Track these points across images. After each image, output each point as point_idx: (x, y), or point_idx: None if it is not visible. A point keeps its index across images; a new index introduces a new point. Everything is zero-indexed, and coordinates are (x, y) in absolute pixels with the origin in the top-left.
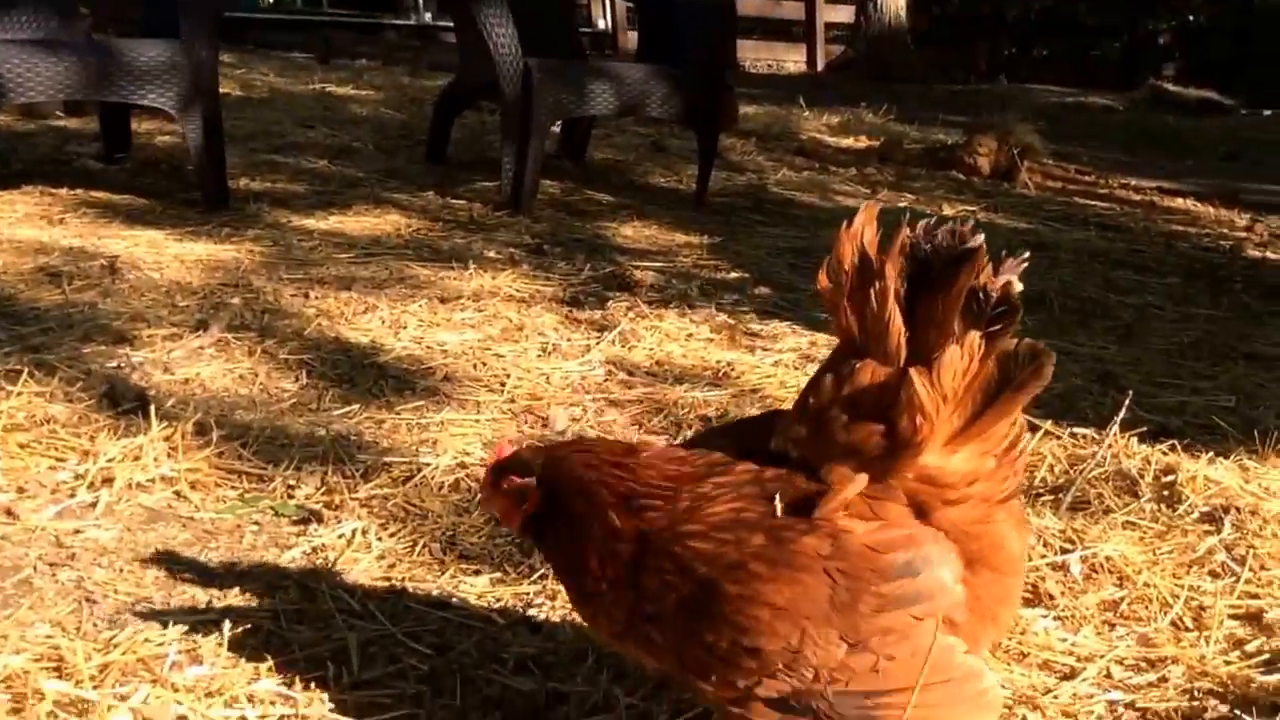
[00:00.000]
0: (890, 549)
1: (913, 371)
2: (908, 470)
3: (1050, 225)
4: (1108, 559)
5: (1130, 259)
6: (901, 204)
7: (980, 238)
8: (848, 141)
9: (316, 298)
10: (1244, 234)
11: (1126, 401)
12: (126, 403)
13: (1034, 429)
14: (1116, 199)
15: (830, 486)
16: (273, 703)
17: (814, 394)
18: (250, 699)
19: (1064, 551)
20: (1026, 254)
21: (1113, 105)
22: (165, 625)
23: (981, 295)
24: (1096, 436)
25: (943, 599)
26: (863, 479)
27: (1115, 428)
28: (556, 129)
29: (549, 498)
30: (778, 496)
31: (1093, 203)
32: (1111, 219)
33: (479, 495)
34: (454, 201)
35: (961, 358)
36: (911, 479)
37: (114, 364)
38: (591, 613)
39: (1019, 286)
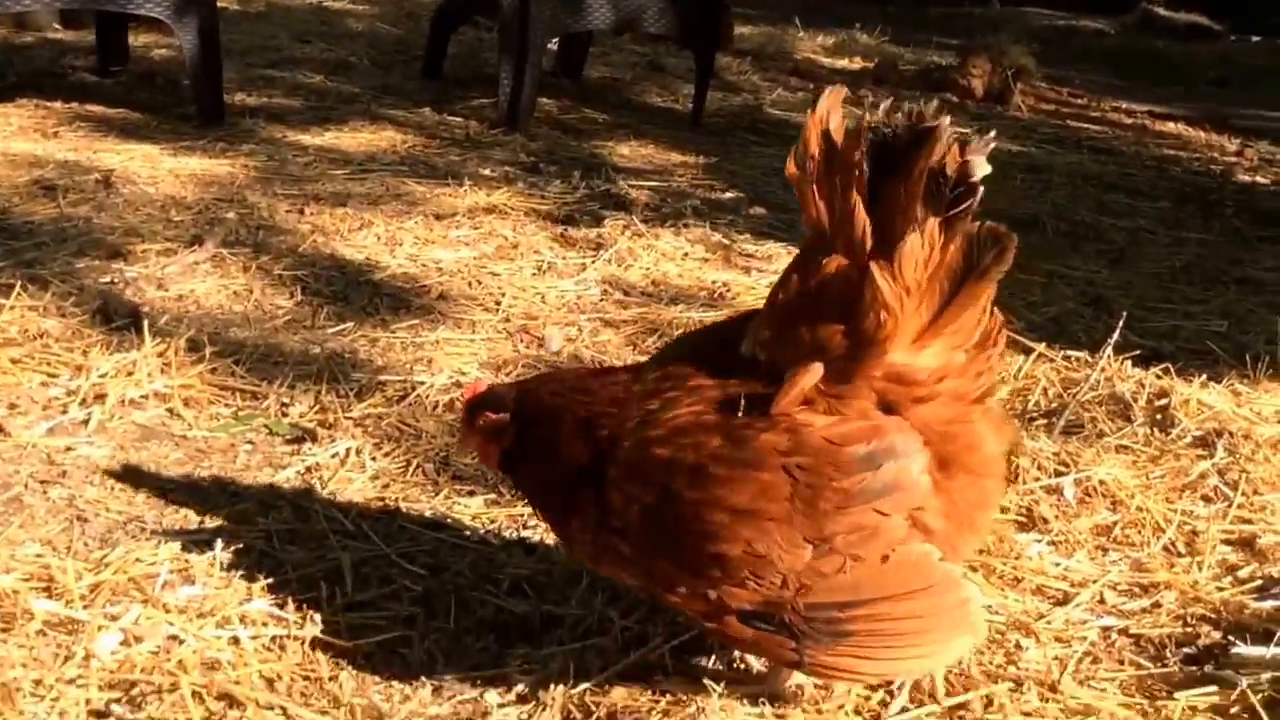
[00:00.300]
0: (851, 441)
1: (874, 266)
2: (874, 368)
3: (1043, 148)
4: (1101, 483)
5: (1122, 182)
6: None
7: (944, 120)
8: (842, 62)
9: (311, 214)
10: (1234, 159)
11: (1119, 325)
12: (120, 318)
13: (1027, 352)
14: (1108, 122)
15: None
16: (265, 623)
17: (781, 292)
18: (243, 619)
19: (1058, 475)
20: (993, 133)
21: (1104, 29)
22: (157, 545)
23: (941, 177)
24: (1090, 360)
25: (909, 492)
26: (818, 368)
27: (1109, 351)
28: (554, 46)
29: (521, 431)
30: (741, 399)
31: (1085, 126)
32: (1104, 142)
33: (457, 434)
34: (450, 118)
35: (922, 246)
36: (879, 378)
37: (108, 279)
38: (567, 536)
39: (984, 168)
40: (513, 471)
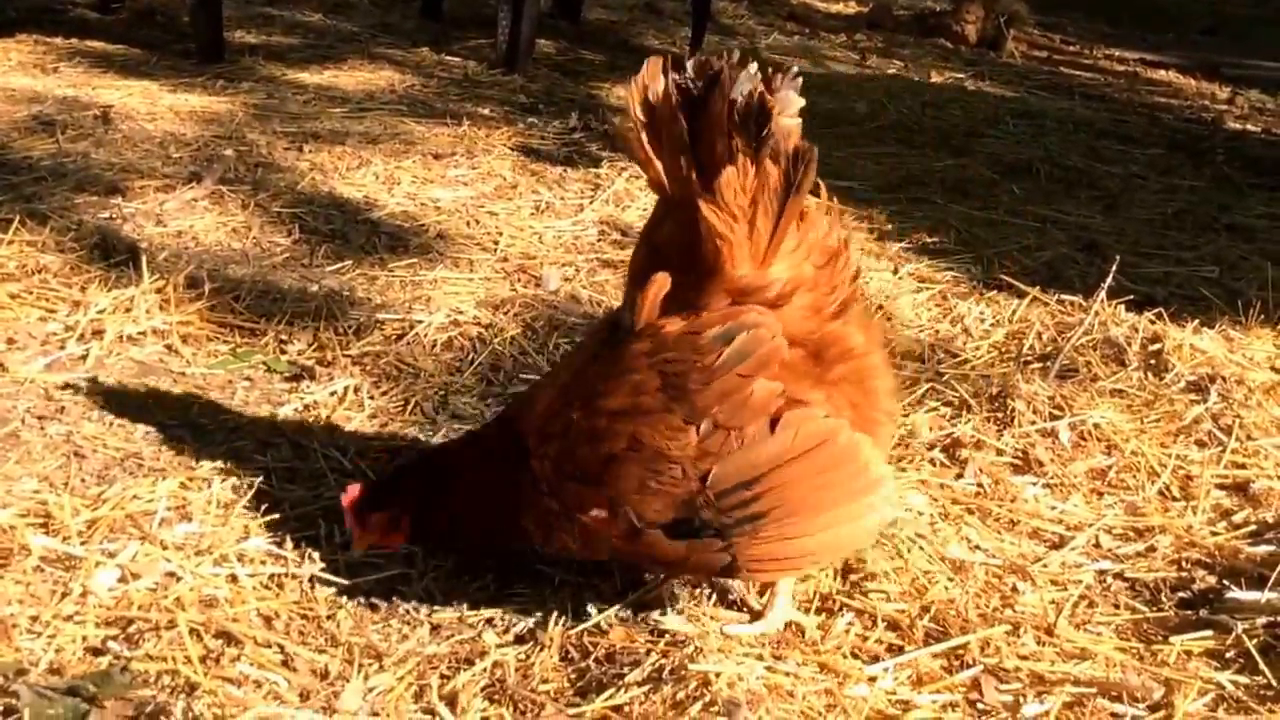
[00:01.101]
0: (706, 327)
1: (700, 200)
2: (720, 289)
3: (1036, 94)
4: (1096, 427)
5: (1114, 129)
6: (890, 70)
7: (729, 65)
8: (837, 7)
9: (310, 151)
10: (1225, 107)
11: (1113, 270)
12: (118, 254)
13: (1021, 296)
14: (1100, 70)
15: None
16: (263, 561)
17: (635, 257)
18: (240, 557)
19: (1053, 418)
20: (795, 68)
21: None
22: (155, 482)
23: (741, 113)
24: (1084, 304)
25: (766, 351)
26: (664, 277)
27: (1102, 295)
28: None
29: (429, 493)
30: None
31: (1077, 73)
32: (1096, 89)
33: (351, 539)
34: (449, 59)
35: (738, 175)
36: (729, 292)
37: (106, 215)
38: (524, 534)
39: (796, 101)
40: (437, 529)
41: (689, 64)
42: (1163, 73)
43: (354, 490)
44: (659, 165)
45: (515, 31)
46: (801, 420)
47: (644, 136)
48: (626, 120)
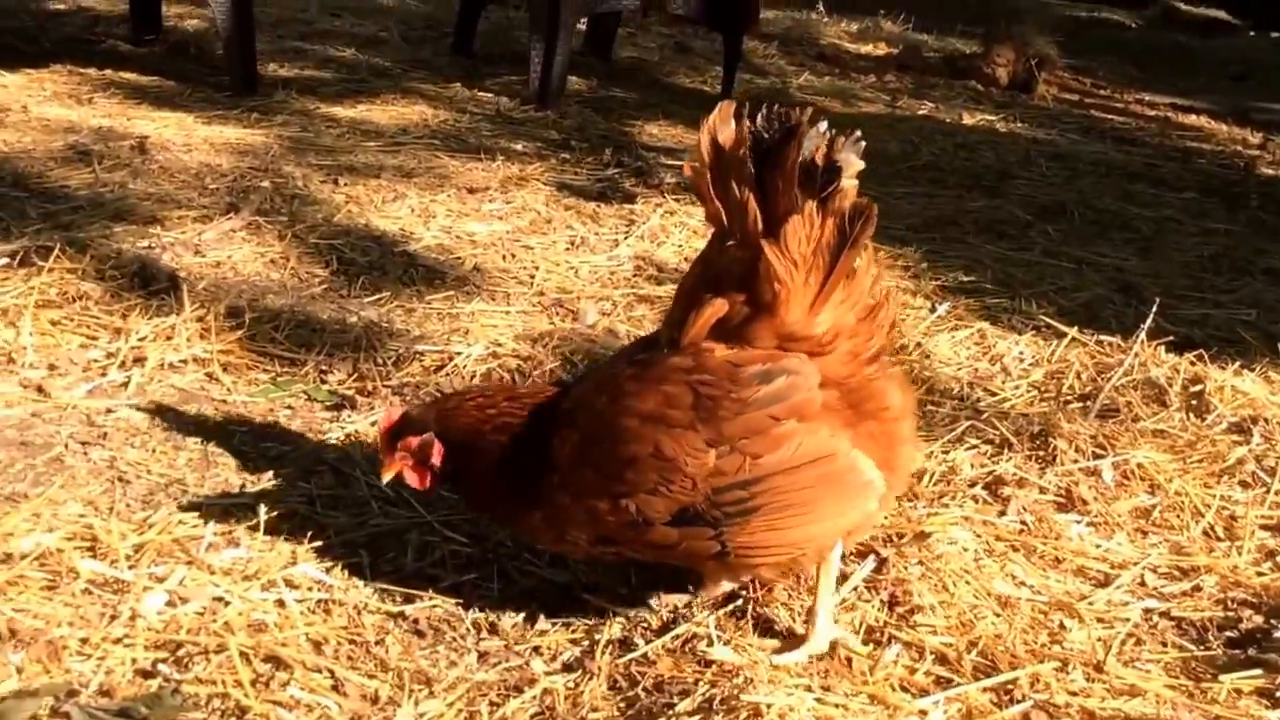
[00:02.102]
0: (749, 362)
1: (764, 244)
2: (770, 330)
3: (1068, 137)
4: (1139, 466)
5: (1147, 173)
6: (921, 111)
7: (808, 119)
8: (866, 49)
9: (345, 184)
10: (1257, 152)
11: (1154, 310)
12: (157, 283)
13: (1058, 335)
14: (1131, 114)
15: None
16: (310, 587)
17: (687, 279)
18: (287, 583)
19: (1096, 457)
20: (858, 133)
21: (1125, 21)
22: (200, 507)
23: (812, 166)
24: (1122, 345)
25: (802, 398)
26: (722, 302)
27: (1143, 336)
28: (583, 26)
29: (455, 446)
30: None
31: (1109, 116)
32: (1128, 133)
33: (381, 465)
34: (481, 94)
35: (803, 224)
36: (776, 336)
37: (145, 244)
38: (527, 523)
39: (855, 162)
40: (453, 483)
41: (763, 113)
42: (1194, 117)
43: (394, 414)
44: (718, 203)
45: (548, 68)
46: (814, 438)
47: (709, 176)
48: (693, 158)
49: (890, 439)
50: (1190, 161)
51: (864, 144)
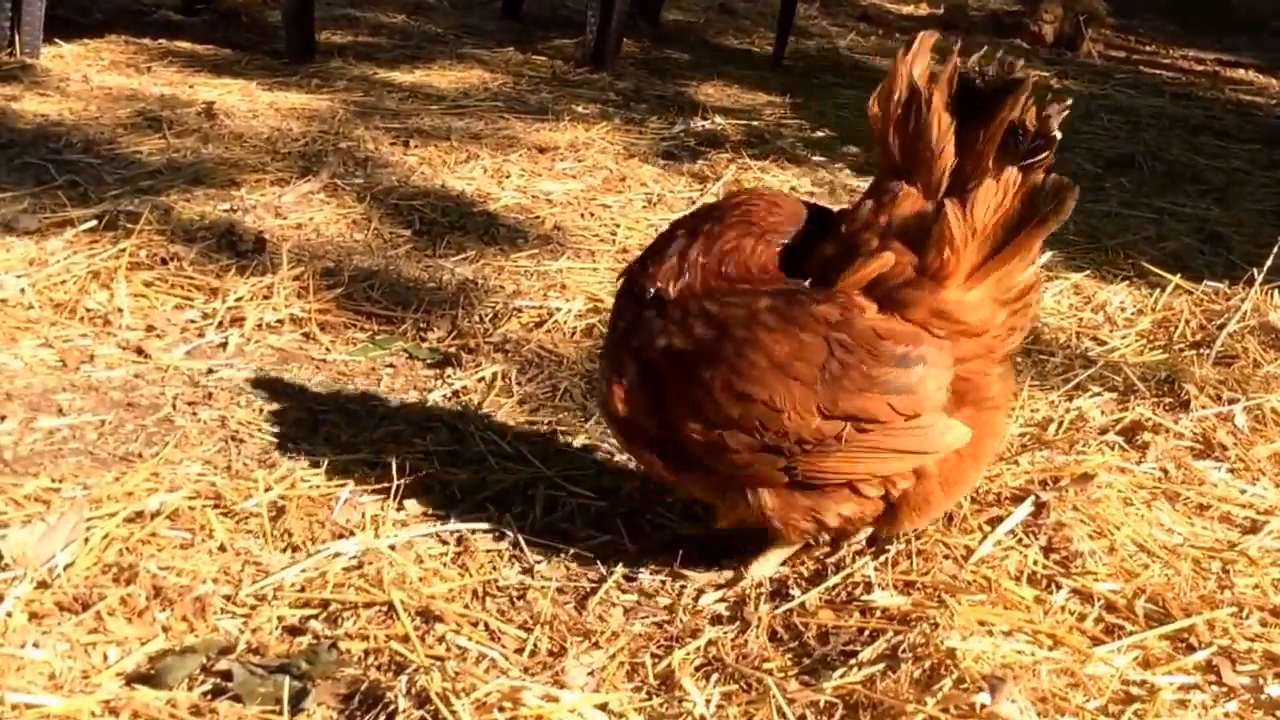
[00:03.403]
0: (892, 338)
1: (948, 204)
2: (927, 303)
3: (1123, 91)
4: (1274, 410)
5: (1209, 125)
6: None
7: (1030, 74)
8: (908, 9)
9: (416, 146)
10: None
11: (1274, 252)
12: (244, 244)
13: (1158, 284)
14: (1179, 69)
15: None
16: (445, 540)
17: (850, 219)
18: (423, 538)
19: (1229, 403)
20: (1069, 100)
21: None
22: (318, 464)
23: (1021, 130)
24: (1226, 291)
25: (924, 398)
26: (889, 258)
27: (1259, 280)
28: None
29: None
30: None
31: (1158, 72)
32: (1180, 87)
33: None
34: (535, 58)
35: (996, 193)
36: (928, 314)
37: (227, 206)
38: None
39: (1057, 135)
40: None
41: (975, 55)
42: (1242, 72)
43: None
44: (901, 148)
45: (604, 30)
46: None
47: (898, 114)
48: (882, 93)
49: (982, 428)
50: (1248, 114)
51: (1067, 112)
